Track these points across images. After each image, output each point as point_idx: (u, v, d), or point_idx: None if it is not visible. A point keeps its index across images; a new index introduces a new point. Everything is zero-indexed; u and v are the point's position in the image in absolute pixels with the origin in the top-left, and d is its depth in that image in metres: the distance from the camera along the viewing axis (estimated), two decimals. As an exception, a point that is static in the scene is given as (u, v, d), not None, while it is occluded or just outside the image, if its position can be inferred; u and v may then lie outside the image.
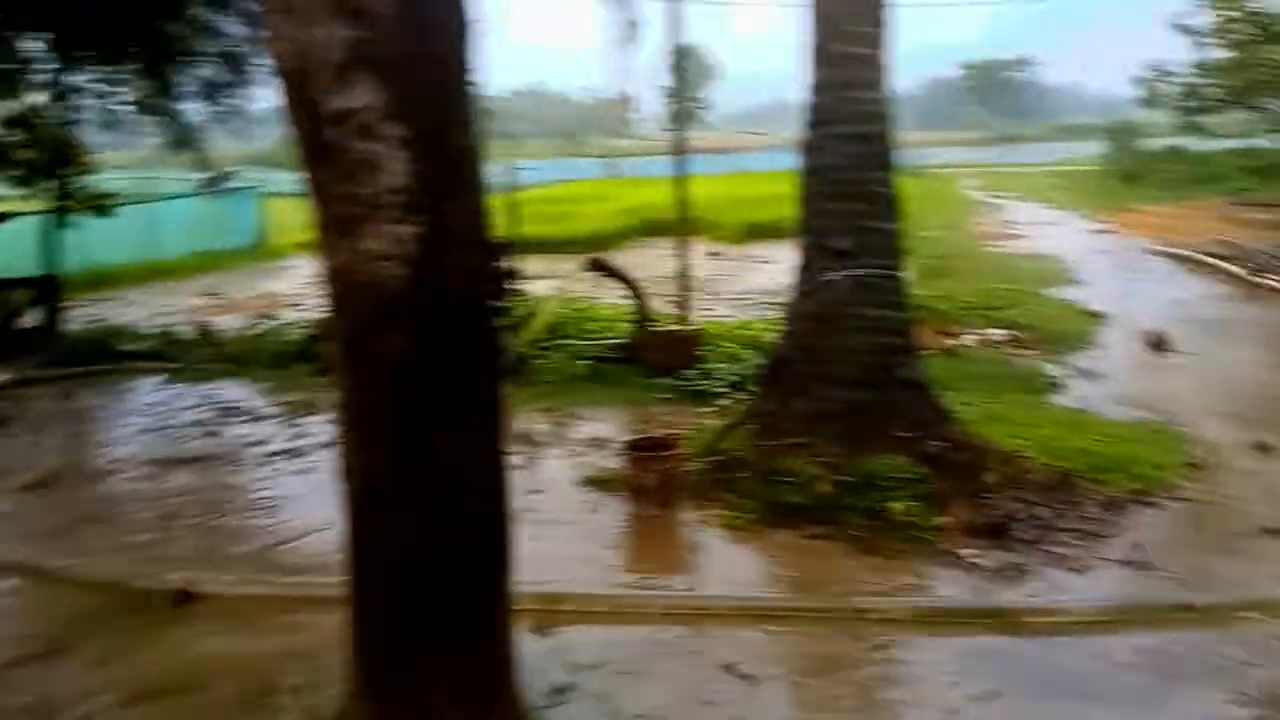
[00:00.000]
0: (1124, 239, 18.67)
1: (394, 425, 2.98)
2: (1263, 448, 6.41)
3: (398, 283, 2.81)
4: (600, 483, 5.84)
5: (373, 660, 3.13)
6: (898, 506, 4.98)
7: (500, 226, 10.07)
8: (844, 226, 5.74)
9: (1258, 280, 12.63)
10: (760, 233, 22.73)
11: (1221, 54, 17.71)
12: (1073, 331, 10.01)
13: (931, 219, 24.03)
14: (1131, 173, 30.06)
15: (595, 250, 21.72)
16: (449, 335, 2.90)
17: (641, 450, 5.52)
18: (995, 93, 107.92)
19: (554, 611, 4.26)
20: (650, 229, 25.06)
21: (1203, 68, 17.43)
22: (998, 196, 30.55)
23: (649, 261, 19.85)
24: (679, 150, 9.15)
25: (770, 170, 42.45)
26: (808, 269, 5.91)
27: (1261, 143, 26.35)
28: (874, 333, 5.66)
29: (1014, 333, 9.72)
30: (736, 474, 5.47)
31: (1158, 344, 9.34)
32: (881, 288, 5.75)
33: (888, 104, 5.94)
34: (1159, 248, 16.52)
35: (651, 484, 5.35)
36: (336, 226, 2.87)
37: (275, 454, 6.88)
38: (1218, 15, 16.59)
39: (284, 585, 4.69)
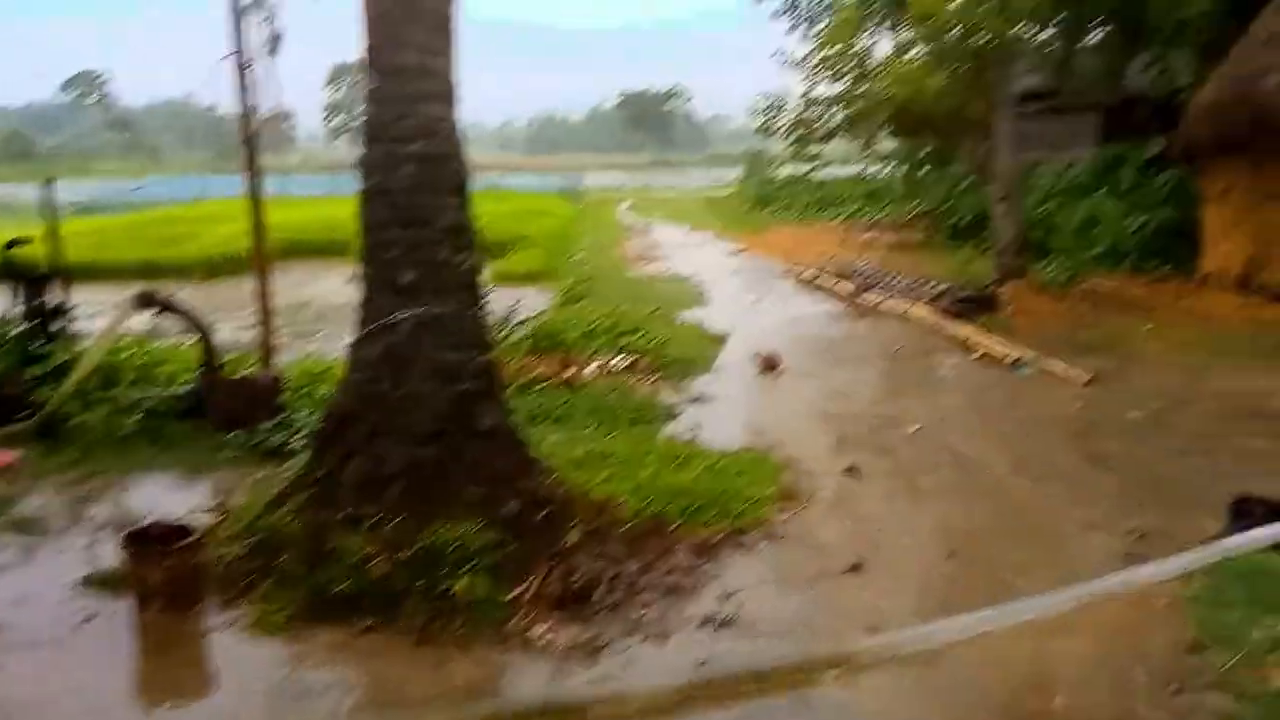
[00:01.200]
0: (754, 260, 19.65)
1: None
2: (853, 471, 6.44)
3: None
4: (106, 583, 4.65)
5: None
6: (462, 584, 4.28)
7: (48, 254, 8.41)
8: (408, 259, 4.99)
9: (862, 298, 13.50)
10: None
11: (827, 88, 19.43)
12: (694, 355, 9.98)
13: (584, 241, 24.25)
14: (764, 197, 32.31)
15: (219, 275, 19.68)
16: None
17: (145, 540, 4.42)
18: (651, 120, 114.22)
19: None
20: (290, 251, 23.30)
21: (811, 100, 18.96)
22: (648, 220, 31.58)
23: (282, 289, 18.19)
24: (253, 169, 8.00)
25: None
26: (370, 307, 5.09)
27: (872, 170, 29.19)
28: (447, 379, 4.95)
29: (636, 359, 9.49)
30: (279, 558, 4.52)
31: (770, 366, 9.50)
32: (455, 328, 5.05)
33: (456, 121, 5.27)
34: (782, 268, 17.47)
35: (158, 582, 4.26)
36: None
37: None
38: (822, 51, 18.06)
39: None
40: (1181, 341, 10.51)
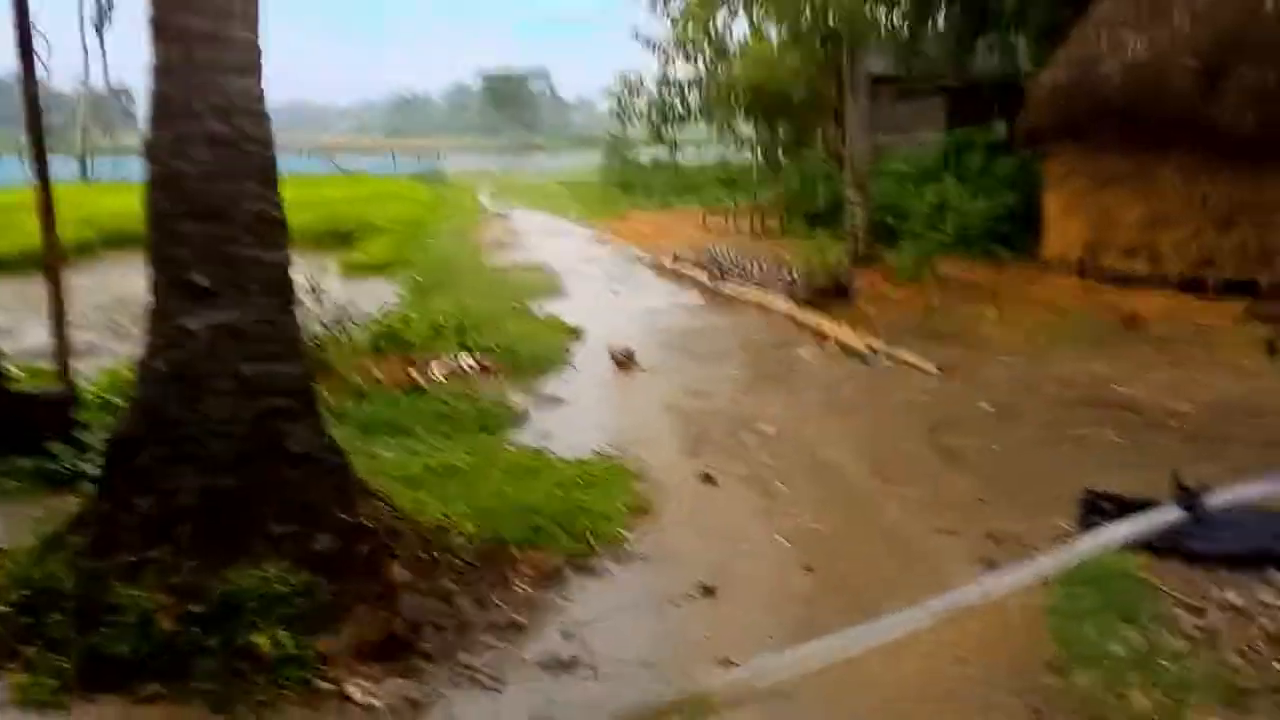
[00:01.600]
0: (614, 246, 19.34)
1: None
2: (707, 478, 6.16)
3: None
4: None
5: None
6: (264, 639, 3.74)
7: None
8: (203, 256, 4.38)
9: (719, 286, 13.33)
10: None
11: (684, 70, 19.27)
12: (547, 352, 9.55)
13: (439, 228, 23.43)
14: (625, 182, 32.05)
15: (35, 270, 17.98)
16: None
17: None
18: (514, 102, 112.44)
19: None
20: (119, 241, 21.70)
21: (668, 83, 18.73)
22: (508, 205, 30.89)
23: (106, 283, 16.85)
24: (39, 149, 7.08)
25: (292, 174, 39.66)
26: (159, 315, 4.46)
27: (731, 155, 29.35)
28: (252, 395, 4.37)
29: (485, 359, 8.99)
30: (50, 615, 3.89)
31: (625, 361, 9.17)
32: (261, 335, 4.47)
33: (261, 97, 4.67)
34: (642, 255, 17.20)
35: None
36: None
37: None
38: (679, 32, 17.83)
39: None
40: (1026, 327, 10.70)
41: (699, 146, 28.87)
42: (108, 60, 59.72)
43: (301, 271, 8.63)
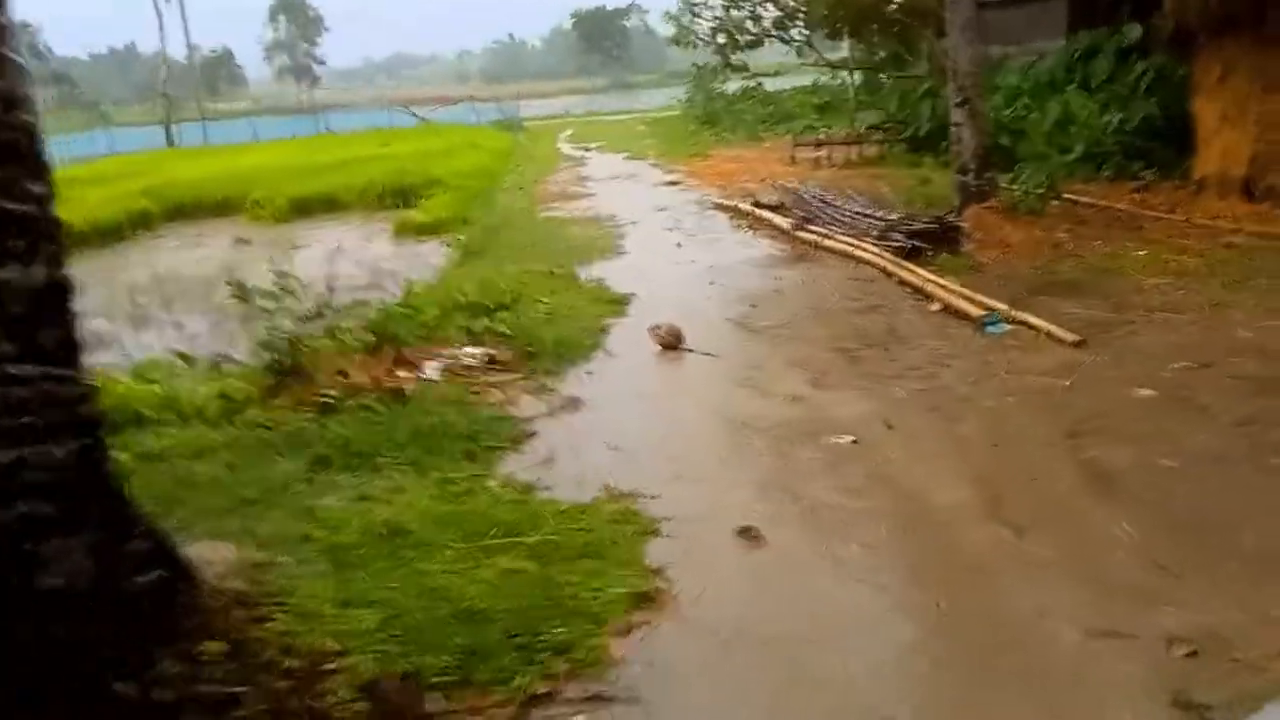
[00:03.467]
0: (689, 190, 17.36)
1: None
2: (751, 535, 4.37)
3: None
4: None
5: None
6: None
7: None
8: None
9: (802, 234, 11.32)
10: (307, 208, 19.53)
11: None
12: (578, 334, 7.80)
13: (508, 180, 21.86)
14: (709, 116, 29.72)
15: (85, 246, 17.06)
16: None
17: None
18: (606, 40, 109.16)
19: None
20: (174, 213, 20.99)
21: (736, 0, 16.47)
22: (585, 148, 29.09)
23: (151, 259, 15.93)
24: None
25: (357, 130, 38.85)
26: None
27: (825, 80, 26.82)
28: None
29: (499, 348, 7.33)
30: None
31: (670, 343, 7.38)
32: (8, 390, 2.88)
33: (12, 37, 3.04)
34: (719, 200, 15.21)
35: None
36: None
37: None
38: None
39: None
40: (1188, 271, 8.47)
41: (776, 73, 26.26)
42: (189, 24, 59.92)
43: (273, 257, 7.22)
